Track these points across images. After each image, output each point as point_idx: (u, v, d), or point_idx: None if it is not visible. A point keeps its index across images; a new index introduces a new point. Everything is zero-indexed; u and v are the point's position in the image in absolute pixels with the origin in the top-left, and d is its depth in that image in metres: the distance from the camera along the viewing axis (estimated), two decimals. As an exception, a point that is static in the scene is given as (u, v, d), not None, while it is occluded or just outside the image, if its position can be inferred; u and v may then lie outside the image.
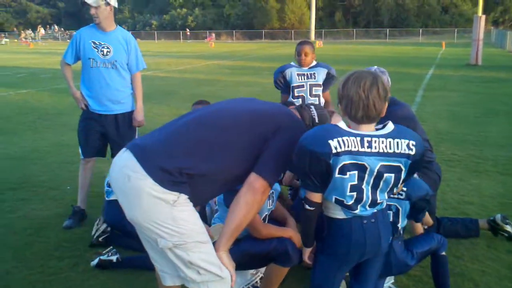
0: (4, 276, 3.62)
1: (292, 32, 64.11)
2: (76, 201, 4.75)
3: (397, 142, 2.23)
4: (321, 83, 5.17)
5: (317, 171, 2.22)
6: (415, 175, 3.27)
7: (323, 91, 5.19)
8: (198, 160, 2.24)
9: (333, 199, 2.30)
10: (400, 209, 2.85)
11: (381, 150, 2.21)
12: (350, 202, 2.28)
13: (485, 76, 17.80)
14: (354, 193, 2.26)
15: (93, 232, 4.10)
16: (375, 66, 3.80)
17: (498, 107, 11.09)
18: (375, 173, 2.23)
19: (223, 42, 61.14)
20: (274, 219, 3.27)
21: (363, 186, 2.26)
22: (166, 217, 2.18)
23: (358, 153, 2.19)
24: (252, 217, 2.37)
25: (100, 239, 4.05)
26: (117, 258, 3.68)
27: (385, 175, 2.24)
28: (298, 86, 5.35)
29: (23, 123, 9.86)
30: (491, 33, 48.37)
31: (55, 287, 3.48)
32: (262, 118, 2.41)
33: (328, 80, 5.15)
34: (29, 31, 67.74)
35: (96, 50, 4.41)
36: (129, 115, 4.69)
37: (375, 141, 2.22)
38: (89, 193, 4.82)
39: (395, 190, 2.36)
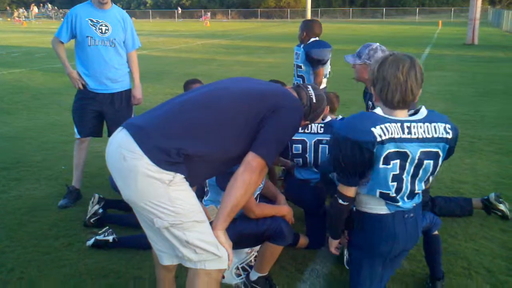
0: (-2, 255, 3.62)
1: (288, 11, 63.62)
2: (71, 181, 4.74)
3: (434, 126, 2.15)
4: (301, 64, 5.16)
5: (357, 163, 2.12)
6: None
7: (313, 69, 5.14)
8: (195, 141, 2.20)
9: (378, 193, 2.21)
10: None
11: (420, 136, 2.13)
12: (394, 194, 2.20)
13: (482, 55, 17.76)
14: (395, 183, 2.17)
15: (88, 214, 4.12)
16: (377, 43, 3.78)
17: (494, 87, 11.07)
18: (416, 161, 2.15)
19: (218, 21, 60.65)
20: (264, 196, 3.28)
21: (403, 176, 2.17)
22: (162, 197, 2.16)
23: (400, 140, 2.10)
24: (249, 196, 2.34)
25: (91, 220, 4.04)
26: (113, 238, 3.67)
27: (425, 162, 2.16)
28: (294, 65, 5.38)
29: (17, 103, 9.79)
30: (488, 12, 48.15)
31: (49, 266, 3.47)
32: (259, 98, 2.36)
33: (310, 60, 5.10)
34: (22, 10, 66.99)
35: (94, 28, 4.35)
36: (126, 94, 4.68)
37: (414, 127, 2.13)
38: (84, 172, 4.81)
39: (431, 179, 2.28)
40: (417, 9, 59.21)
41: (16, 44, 24.55)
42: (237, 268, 3.22)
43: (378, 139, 2.06)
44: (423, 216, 3.12)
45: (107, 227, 3.78)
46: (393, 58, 2.15)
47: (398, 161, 2.12)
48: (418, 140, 2.12)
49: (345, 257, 3.35)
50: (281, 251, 3.09)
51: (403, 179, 2.17)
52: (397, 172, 2.13)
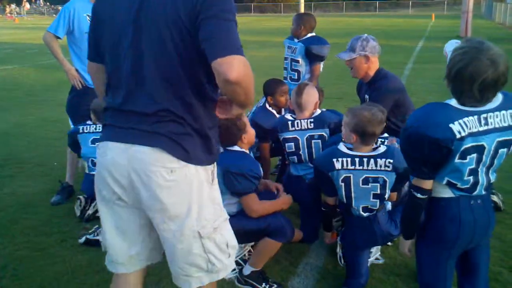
0: (-9, 253, 3.60)
1: (281, 5, 63.43)
2: (64, 177, 4.72)
3: (510, 113, 2.06)
4: (298, 59, 5.15)
5: (435, 158, 2.04)
6: (394, 142, 3.28)
7: (310, 65, 5.16)
8: (180, 99, 1.91)
9: (445, 181, 2.11)
10: (388, 180, 2.85)
11: (497, 125, 2.03)
12: (465, 186, 2.10)
13: (475, 48, 17.70)
14: (471, 177, 2.08)
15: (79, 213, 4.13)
16: (365, 34, 3.80)
17: (487, 79, 11.09)
18: (491, 153, 2.06)
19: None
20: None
21: (479, 169, 2.08)
22: (208, 200, 2.01)
23: (477, 133, 2.00)
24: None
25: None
26: (104, 237, 3.65)
27: (500, 151, 2.07)
28: (286, 58, 5.36)
29: (9, 99, 9.74)
30: (481, 4, 48.22)
31: (42, 262, 3.46)
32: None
33: (309, 55, 5.11)
34: (14, 6, 66.50)
35: None
36: None
37: (491, 117, 2.03)
38: (77, 168, 4.79)
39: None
40: (410, 2, 59.17)
41: (8, 41, 24.40)
42: (231, 263, 3.21)
43: (458, 136, 1.97)
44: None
45: (97, 226, 3.76)
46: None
47: (475, 155, 2.04)
48: (494, 130, 2.03)
49: (338, 253, 3.36)
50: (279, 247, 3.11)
51: (478, 172, 2.09)
52: (474, 166, 2.05)
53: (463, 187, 2.09)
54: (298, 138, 3.56)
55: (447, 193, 2.13)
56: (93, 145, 4.13)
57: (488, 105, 2.04)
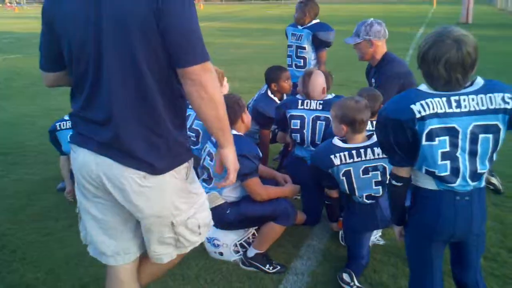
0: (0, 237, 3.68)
1: (282, -8, 63.08)
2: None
3: (490, 97, 1.99)
4: (305, 45, 5.19)
5: (402, 142, 2.04)
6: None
7: (316, 51, 5.21)
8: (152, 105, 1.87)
9: (424, 170, 2.07)
10: (387, 167, 2.91)
11: (472, 108, 1.98)
12: (444, 174, 2.03)
13: (475, 34, 16.90)
14: (447, 162, 2.02)
15: None
16: (371, 19, 3.86)
17: (487, 66, 11.07)
18: (468, 136, 2.00)
19: (212, 3, 60.17)
20: (263, 178, 3.35)
21: (458, 154, 2.02)
22: (183, 192, 2.05)
23: (445, 114, 1.98)
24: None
25: None
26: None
27: (481, 137, 2.00)
28: (290, 46, 5.40)
29: (13, 88, 9.79)
30: (483, -10, 47.82)
31: (51, 246, 3.54)
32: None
33: (315, 41, 5.15)
34: (14, -5, 66.23)
35: None
36: None
37: (464, 99, 1.99)
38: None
39: (494, 157, 2.09)
40: (412, -11, 58.75)
41: (9, 30, 24.34)
42: (235, 245, 3.28)
43: (418, 115, 1.97)
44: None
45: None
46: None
47: (446, 137, 2.00)
48: (469, 113, 1.98)
49: (340, 233, 3.44)
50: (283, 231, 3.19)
51: (457, 157, 2.02)
52: (447, 149, 2.00)
53: (442, 174, 2.03)
54: (305, 116, 3.64)
55: (431, 185, 2.10)
56: None
57: (464, 89, 2.03)
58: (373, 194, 2.99)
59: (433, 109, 1.98)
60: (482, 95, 2.00)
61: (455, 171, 2.03)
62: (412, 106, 1.98)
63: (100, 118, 1.89)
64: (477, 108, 1.99)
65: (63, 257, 3.39)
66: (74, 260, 3.35)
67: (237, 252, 3.29)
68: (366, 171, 2.94)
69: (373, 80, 4.03)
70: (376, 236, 3.43)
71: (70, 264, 3.30)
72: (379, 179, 2.95)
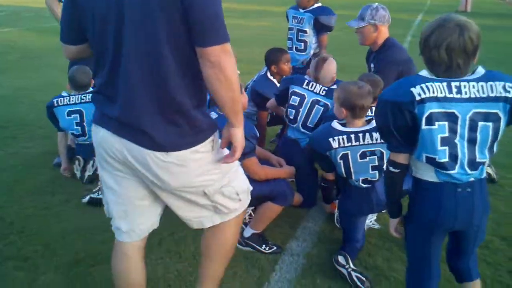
0: (-3, 210, 3.69)
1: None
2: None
3: (491, 85, 1.99)
4: (306, 29, 5.16)
5: (401, 126, 2.02)
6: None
7: (318, 35, 5.18)
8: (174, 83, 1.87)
9: (424, 158, 2.05)
10: (384, 152, 2.93)
11: (472, 95, 1.98)
12: (444, 160, 2.01)
13: (475, 23, 17.70)
14: (446, 148, 2.00)
15: (80, 172, 4.21)
16: (376, 3, 3.86)
17: (486, 55, 11.06)
18: (467, 123, 1.99)
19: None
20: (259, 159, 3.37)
21: (456, 140, 2.00)
22: (212, 164, 2.07)
23: (445, 99, 1.96)
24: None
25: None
26: (108, 196, 3.73)
27: (480, 124, 2.00)
28: (291, 29, 5.37)
29: (8, 62, 9.71)
30: (482, -20, 47.69)
31: (48, 220, 3.56)
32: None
33: (317, 25, 5.13)
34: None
35: None
36: None
37: (465, 86, 1.98)
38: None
39: (495, 148, 2.08)
40: (411, -25, 58.48)
41: (3, 3, 24.05)
42: (232, 225, 3.31)
43: (417, 97, 1.96)
44: (409, 176, 3.21)
45: (102, 185, 3.83)
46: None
47: (446, 123, 1.99)
48: (469, 99, 1.98)
49: (335, 215, 3.48)
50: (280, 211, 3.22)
51: (456, 144, 2.01)
52: (446, 134, 1.99)
53: (441, 160, 2.02)
54: (306, 96, 3.68)
55: (431, 177, 2.09)
56: (69, 117, 4.19)
57: (465, 77, 2.03)
58: (369, 179, 3.02)
59: (433, 92, 1.97)
60: (483, 83, 2.00)
61: (454, 158, 2.02)
62: (412, 89, 1.97)
63: (119, 97, 1.89)
64: (478, 95, 1.99)
65: (60, 232, 3.41)
66: (71, 235, 3.37)
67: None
68: (363, 155, 2.97)
69: (372, 65, 4.04)
70: (371, 220, 3.47)
71: (66, 239, 3.32)
72: (376, 163, 2.98)
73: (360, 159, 2.97)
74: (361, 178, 3.02)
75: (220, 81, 1.81)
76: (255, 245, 3.20)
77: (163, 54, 1.79)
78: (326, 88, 3.65)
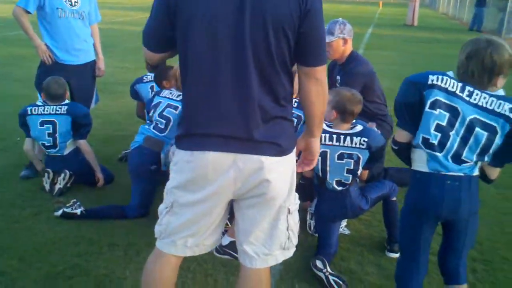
0: (-35, 225, 3.60)
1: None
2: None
3: (500, 103, 2.21)
4: None
5: (411, 103, 2.30)
6: (374, 127, 3.54)
7: None
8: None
9: (421, 139, 2.30)
10: (361, 157, 3.08)
11: (479, 103, 2.22)
12: (434, 141, 2.26)
13: (421, 36, 18.46)
14: (439, 134, 2.26)
15: (49, 185, 4.17)
16: (340, 18, 4.02)
17: (435, 67, 11.54)
18: (466, 123, 2.23)
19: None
20: None
21: (451, 133, 2.25)
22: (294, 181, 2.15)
23: (454, 94, 2.22)
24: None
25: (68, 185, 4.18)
26: (81, 211, 3.72)
27: (477, 129, 2.22)
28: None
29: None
30: (425, -6, 49.57)
31: (20, 234, 3.51)
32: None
33: None
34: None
35: (64, 0, 4.36)
36: (91, 65, 4.79)
37: (477, 94, 2.22)
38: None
39: (486, 158, 2.29)
40: (358, -11, 60.03)
41: None
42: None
43: (429, 82, 2.24)
44: (383, 184, 3.39)
45: (75, 200, 3.82)
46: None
47: (447, 114, 2.24)
48: (476, 106, 2.22)
49: (307, 222, 3.60)
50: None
51: (449, 135, 2.25)
52: (444, 124, 2.24)
53: (433, 142, 2.27)
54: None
55: (423, 167, 2.34)
56: (41, 127, 4.17)
57: (483, 89, 2.25)
58: (343, 181, 3.15)
59: (446, 84, 2.24)
60: (494, 99, 2.23)
61: (442, 146, 2.26)
62: (430, 76, 2.27)
63: (227, 111, 1.93)
64: (484, 106, 2.22)
65: (33, 245, 3.37)
66: (45, 248, 3.34)
67: (210, 240, 3.37)
68: (341, 156, 3.10)
69: (338, 77, 4.19)
70: (342, 227, 3.60)
71: (41, 252, 3.29)
72: (351, 167, 3.11)
73: (338, 159, 3.10)
74: (335, 180, 3.15)
75: (319, 95, 2.03)
76: (232, 253, 3.25)
77: (272, 67, 1.92)
78: (298, 100, 3.75)
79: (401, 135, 2.41)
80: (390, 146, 2.57)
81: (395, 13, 30.58)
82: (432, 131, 2.26)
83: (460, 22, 26.76)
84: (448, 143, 2.26)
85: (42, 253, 3.28)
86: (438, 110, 2.24)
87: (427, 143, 2.29)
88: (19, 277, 3.00)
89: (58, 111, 4.16)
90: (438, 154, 2.27)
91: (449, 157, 2.27)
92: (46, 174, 4.17)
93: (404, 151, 2.44)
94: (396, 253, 3.34)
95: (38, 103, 4.26)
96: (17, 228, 3.59)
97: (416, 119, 2.31)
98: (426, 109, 2.26)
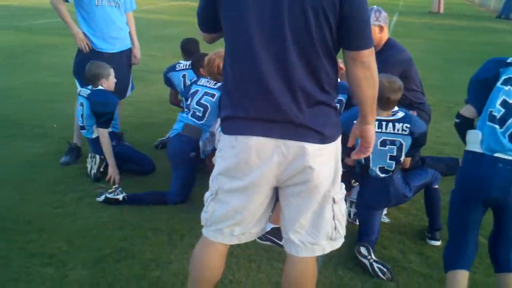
0: (12, 209, 3.70)
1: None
2: (65, 138, 4.87)
3: None
4: None
5: (485, 78, 2.46)
6: (415, 114, 3.51)
7: None
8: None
9: (488, 114, 2.39)
10: (404, 143, 3.07)
11: None
12: (497, 114, 2.36)
13: (447, 24, 18.21)
14: (503, 110, 2.36)
15: (89, 168, 4.26)
16: (375, 6, 3.98)
17: (461, 55, 11.47)
18: None
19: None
20: None
21: None
22: (339, 171, 2.16)
23: None
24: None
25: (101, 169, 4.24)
26: (123, 197, 3.79)
27: None
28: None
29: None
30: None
31: (65, 219, 3.59)
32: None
33: None
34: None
35: None
36: (127, 53, 4.83)
37: None
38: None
39: None
40: (381, -24, 59.29)
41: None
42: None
43: (508, 60, 2.41)
44: (426, 172, 3.39)
45: (117, 186, 3.89)
46: None
47: None
48: None
49: (347, 211, 3.61)
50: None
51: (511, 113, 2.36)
52: (510, 101, 2.36)
53: (494, 114, 2.36)
54: None
55: (477, 148, 2.41)
56: (79, 107, 4.30)
57: None
58: (386, 167, 3.15)
59: None
60: None
61: (503, 121, 2.35)
62: (510, 59, 2.43)
63: (270, 93, 1.93)
64: None
65: (79, 229, 3.45)
66: (90, 232, 3.41)
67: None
68: (384, 143, 3.10)
69: (375, 66, 4.16)
70: (382, 215, 3.61)
71: (87, 236, 3.36)
72: (394, 154, 3.10)
73: (380, 146, 3.09)
74: (378, 166, 3.15)
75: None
76: (274, 239, 3.29)
77: (315, 51, 1.91)
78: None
79: (467, 110, 2.57)
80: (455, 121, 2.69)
81: (420, 1, 30.12)
82: (497, 105, 2.37)
83: (486, 10, 26.32)
84: (510, 120, 2.33)
85: (88, 237, 3.35)
86: (508, 87, 2.36)
87: (490, 115, 2.38)
88: (68, 259, 3.08)
89: (86, 94, 4.24)
90: (497, 128, 2.34)
91: (506, 135, 2.34)
92: (94, 159, 4.27)
93: (465, 125, 2.55)
94: (438, 240, 3.35)
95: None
96: (61, 213, 3.67)
97: (485, 96, 2.42)
98: (498, 84, 2.39)
